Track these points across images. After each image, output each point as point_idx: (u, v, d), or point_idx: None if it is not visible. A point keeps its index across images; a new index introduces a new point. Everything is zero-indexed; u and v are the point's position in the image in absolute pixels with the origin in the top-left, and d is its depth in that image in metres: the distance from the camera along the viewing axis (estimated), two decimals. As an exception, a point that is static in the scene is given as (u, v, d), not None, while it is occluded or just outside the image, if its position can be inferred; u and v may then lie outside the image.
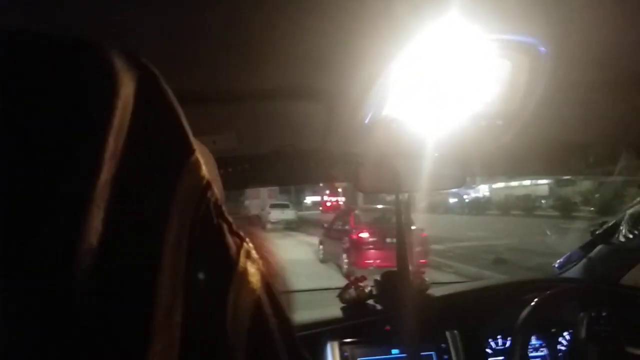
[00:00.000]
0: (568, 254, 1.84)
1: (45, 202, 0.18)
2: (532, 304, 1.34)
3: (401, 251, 1.30)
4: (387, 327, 1.41)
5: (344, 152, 1.02)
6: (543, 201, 21.49)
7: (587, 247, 1.74)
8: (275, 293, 0.26)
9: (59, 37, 0.21)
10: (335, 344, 1.36)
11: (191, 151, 0.23)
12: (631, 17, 0.63)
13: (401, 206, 1.22)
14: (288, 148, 0.99)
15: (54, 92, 0.20)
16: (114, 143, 0.20)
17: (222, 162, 1.00)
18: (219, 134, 0.90)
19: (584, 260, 1.76)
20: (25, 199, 0.18)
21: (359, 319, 1.44)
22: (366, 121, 0.83)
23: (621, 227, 1.47)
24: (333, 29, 0.63)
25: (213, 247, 0.23)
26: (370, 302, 1.51)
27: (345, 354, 1.35)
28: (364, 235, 8.24)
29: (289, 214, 23.74)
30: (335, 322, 1.43)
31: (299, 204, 28.45)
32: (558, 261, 1.86)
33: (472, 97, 0.80)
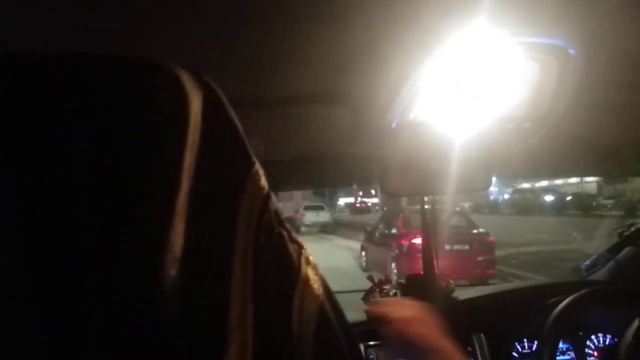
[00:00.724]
0: (595, 256, 1.81)
1: (133, 218, 0.19)
2: (560, 307, 1.33)
3: (427, 254, 1.31)
4: (412, 330, 1.41)
5: (370, 155, 1.03)
6: (606, 201, 19.90)
7: (614, 250, 1.72)
8: (334, 298, 0.27)
9: (131, 60, 0.23)
10: (361, 347, 1.37)
11: (252, 163, 0.24)
12: None
13: (426, 209, 1.22)
14: (314, 152, 1.01)
15: (134, 113, 0.21)
16: (189, 158, 0.21)
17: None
18: (248, 139, 0.92)
19: (611, 263, 1.73)
20: (114, 215, 0.19)
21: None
22: (393, 125, 0.84)
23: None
24: (360, 34, 0.64)
25: (277, 255, 0.24)
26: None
27: (371, 356, 1.35)
28: (418, 240, 7.13)
29: (323, 216, 22.75)
30: (360, 324, 1.44)
31: (332, 206, 27.82)
32: (585, 263, 1.84)
33: (500, 101, 0.80)
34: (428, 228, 1.20)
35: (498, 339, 1.44)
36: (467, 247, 7.05)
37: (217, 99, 0.24)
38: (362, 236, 9.81)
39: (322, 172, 1.06)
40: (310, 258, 0.26)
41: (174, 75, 0.22)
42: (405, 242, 7.26)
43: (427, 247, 1.19)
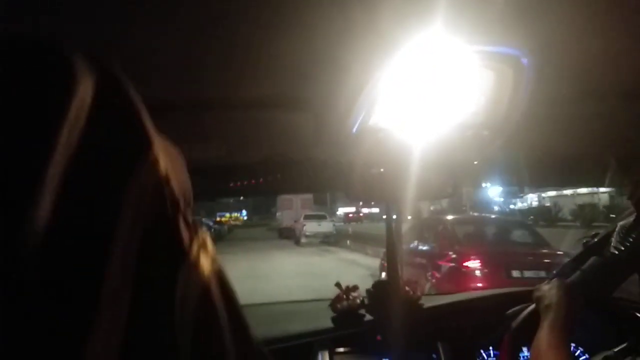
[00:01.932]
0: (560, 266, 1.84)
1: None
2: (520, 316, 1.35)
3: (392, 260, 1.31)
4: (379, 337, 1.41)
5: (334, 161, 1.03)
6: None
7: (579, 259, 1.74)
8: (227, 283, 0.28)
9: (25, 38, 0.23)
10: (326, 353, 1.36)
11: (149, 148, 0.24)
12: (614, 28, 0.64)
13: (392, 214, 1.23)
14: (277, 157, 1.00)
15: (17, 88, 0.21)
16: (67, 134, 0.21)
17: (212, 171, 1.01)
18: (208, 142, 0.91)
19: (577, 273, 1.76)
20: None
21: (350, 329, 1.44)
22: (354, 130, 0.84)
23: (612, 239, 1.48)
24: (320, 40, 0.64)
25: (165, 238, 0.24)
26: (362, 312, 1.51)
27: (337, 364, 1.35)
28: (474, 264, 4.95)
29: (326, 227, 21.22)
30: (327, 331, 1.43)
31: (331, 216, 26.44)
32: (552, 273, 1.86)
33: (457, 107, 0.81)
34: (392, 234, 1.20)
35: (463, 346, 1.45)
36: (543, 273, 4.65)
37: (114, 83, 0.24)
38: (379, 252, 7.72)
39: (286, 177, 1.06)
40: (208, 244, 0.27)
41: (63, 55, 0.23)
42: (447, 263, 5.27)
43: (392, 253, 1.19)
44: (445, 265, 5.33)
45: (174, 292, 0.23)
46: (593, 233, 1.75)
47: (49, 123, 0.21)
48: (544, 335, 1.08)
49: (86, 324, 0.20)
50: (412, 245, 6.46)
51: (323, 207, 29.13)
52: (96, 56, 0.24)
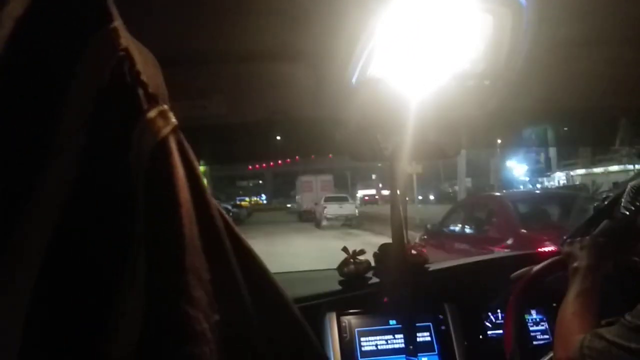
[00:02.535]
0: (573, 230, 1.82)
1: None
2: (527, 276, 1.34)
3: (396, 222, 1.31)
4: (385, 299, 1.42)
5: (335, 119, 1.02)
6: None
7: (590, 222, 1.72)
8: (188, 153, 0.28)
9: None
10: (333, 315, 1.38)
11: (107, 21, 0.25)
12: None
13: (397, 175, 1.22)
14: (279, 116, 1.00)
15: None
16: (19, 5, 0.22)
17: (214, 132, 1.02)
18: (208, 99, 0.91)
19: (588, 237, 1.74)
20: None
21: (357, 291, 1.45)
22: (353, 81, 0.84)
23: (622, 200, 1.45)
24: None
25: (121, 97, 0.25)
26: (369, 275, 1.52)
27: (343, 324, 1.36)
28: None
29: (348, 209, 20.33)
30: (334, 294, 1.45)
31: (352, 198, 25.26)
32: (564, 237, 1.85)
33: (457, 55, 0.80)
34: (397, 195, 1.20)
35: (470, 308, 1.45)
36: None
37: None
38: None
39: (288, 140, 1.06)
40: (170, 115, 0.28)
41: None
42: (506, 250, 4.15)
43: (396, 215, 1.20)
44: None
45: (127, 143, 0.24)
46: (604, 196, 1.73)
47: None
48: (570, 300, 1.04)
49: (39, 164, 0.21)
50: (451, 228, 5.75)
51: (343, 189, 28.22)
52: None
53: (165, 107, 0.28)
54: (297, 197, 29.91)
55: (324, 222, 19.63)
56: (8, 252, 0.21)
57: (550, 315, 1.56)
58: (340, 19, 0.73)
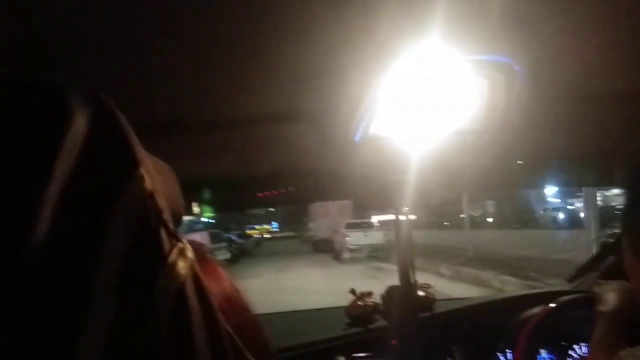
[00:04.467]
0: (579, 267, 1.82)
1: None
2: (537, 316, 1.35)
3: (404, 265, 1.33)
4: (394, 342, 1.42)
5: (340, 170, 1.06)
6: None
7: (597, 259, 1.73)
8: (203, 286, 0.31)
9: (27, 84, 0.27)
10: (343, 359, 1.38)
11: (135, 168, 0.28)
12: (602, 38, 0.66)
13: (401, 221, 1.25)
14: (284, 168, 1.04)
15: (16, 128, 0.26)
16: (64, 161, 0.25)
17: (225, 184, 1.06)
18: (219, 157, 0.95)
19: (595, 273, 1.75)
20: None
21: (366, 334, 1.46)
22: (357, 139, 0.87)
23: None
24: (321, 51, 0.67)
25: (148, 245, 0.28)
26: (377, 317, 1.53)
27: (353, 368, 1.36)
28: None
29: (374, 237, 16.62)
30: (343, 337, 1.46)
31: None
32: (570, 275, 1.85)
33: (456, 114, 0.84)
34: (404, 238, 1.22)
35: (478, 350, 1.45)
36: None
37: (107, 115, 0.28)
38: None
39: (297, 189, 1.10)
40: (187, 252, 0.30)
41: (58, 95, 0.27)
42: None
43: (404, 257, 1.22)
44: None
45: (153, 290, 0.27)
46: (610, 232, 1.74)
47: (47, 153, 0.25)
48: (596, 343, 1.04)
49: (78, 322, 0.24)
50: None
51: (361, 213, 23.85)
52: (90, 92, 0.28)
53: (183, 243, 0.31)
54: (310, 224, 26.38)
55: (346, 255, 16.14)
56: None
57: (560, 353, 1.55)
58: (344, 82, 0.77)
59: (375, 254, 15.78)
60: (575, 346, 1.54)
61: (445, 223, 25.13)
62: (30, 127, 0.25)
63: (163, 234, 0.28)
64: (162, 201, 0.29)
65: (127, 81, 0.68)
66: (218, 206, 1.19)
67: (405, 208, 1.22)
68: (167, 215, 0.29)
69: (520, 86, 0.75)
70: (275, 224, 53.77)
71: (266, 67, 0.71)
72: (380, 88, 0.78)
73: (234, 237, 21.43)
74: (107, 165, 0.27)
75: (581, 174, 1.09)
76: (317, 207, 22.77)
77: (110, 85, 0.67)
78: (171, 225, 0.29)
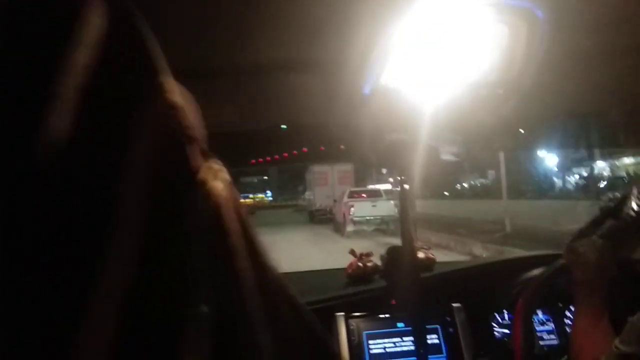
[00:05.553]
0: (577, 230, 1.83)
1: (9, 95, 0.21)
2: (534, 278, 1.35)
3: (405, 226, 1.31)
4: (393, 301, 1.43)
5: (348, 127, 1.02)
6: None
7: (595, 223, 1.73)
8: (242, 213, 0.28)
9: None
10: (342, 317, 1.38)
11: (156, 76, 0.25)
12: None
13: (404, 181, 1.22)
14: (289, 123, 1.00)
15: (34, 11, 0.22)
16: (81, 57, 0.22)
17: (224, 138, 1.02)
18: (221, 108, 0.91)
19: (593, 237, 1.75)
20: None
21: (365, 294, 1.46)
22: (365, 91, 0.84)
23: (629, 201, 1.46)
24: None
25: (175, 158, 0.25)
26: (377, 276, 1.53)
27: (352, 327, 1.37)
28: None
29: (384, 208, 13.88)
30: (342, 297, 1.46)
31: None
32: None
33: (470, 65, 0.80)
34: (405, 199, 1.20)
35: (477, 310, 1.46)
36: None
37: (127, 17, 0.25)
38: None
39: (296, 143, 1.06)
40: (221, 172, 0.27)
41: None
42: None
43: (405, 218, 1.20)
44: None
45: (182, 203, 0.24)
46: (610, 197, 1.73)
47: (61, 44, 0.22)
48: (579, 319, 1.04)
49: (99, 251, 0.21)
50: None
51: (361, 183, 21.30)
52: None
53: (218, 163, 0.28)
54: (306, 192, 23.86)
55: (350, 228, 13.87)
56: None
57: (556, 315, 1.57)
58: (353, 30, 0.73)
59: (383, 227, 13.76)
60: (571, 306, 1.55)
61: (445, 193, 22.76)
62: (45, 13, 0.22)
63: (193, 149, 0.25)
64: (191, 117, 0.26)
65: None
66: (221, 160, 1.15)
67: (409, 168, 1.19)
68: (197, 133, 0.26)
69: (541, 34, 0.71)
70: (269, 193, 53.16)
71: (270, 13, 0.67)
72: (392, 37, 0.74)
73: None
74: (125, 68, 0.24)
75: (604, 134, 1.06)
76: (314, 175, 20.85)
77: None
78: (203, 144, 0.26)
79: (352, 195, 14.96)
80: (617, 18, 0.71)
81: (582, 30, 0.74)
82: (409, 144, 1.03)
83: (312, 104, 0.95)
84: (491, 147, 1.33)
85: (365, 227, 13.97)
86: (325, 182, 19.70)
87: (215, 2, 0.63)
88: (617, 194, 1.63)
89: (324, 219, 18.40)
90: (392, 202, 13.38)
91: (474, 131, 1.02)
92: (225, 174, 0.28)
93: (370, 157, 1.11)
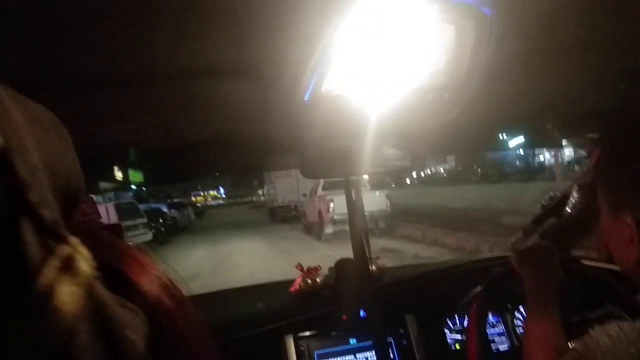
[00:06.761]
0: (521, 230, 1.85)
1: None
2: (484, 282, 1.34)
3: (357, 237, 1.25)
4: (344, 317, 1.36)
5: (287, 136, 0.95)
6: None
7: (537, 221, 1.75)
8: (115, 325, 0.19)
9: None
10: (290, 339, 1.30)
11: None
12: None
13: (352, 189, 1.16)
14: (224, 134, 0.91)
15: None
16: None
17: (151, 153, 0.91)
18: (141, 122, 0.81)
19: (535, 235, 1.78)
20: None
21: (314, 311, 1.39)
22: (306, 98, 0.76)
23: (570, 199, 1.48)
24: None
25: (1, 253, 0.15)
26: (326, 292, 1.46)
27: (302, 348, 1.29)
28: None
29: (372, 202, 10.57)
30: (290, 315, 1.37)
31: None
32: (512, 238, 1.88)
33: (416, 69, 0.75)
34: (356, 210, 1.14)
35: (429, 318, 1.43)
36: None
37: None
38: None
39: (235, 157, 0.97)
40: (79, 261, 0.17)
41: None
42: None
43: (356, 229, 1.14)
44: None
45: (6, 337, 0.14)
46: (549, 195, 1.77)
47: None
48: (531, 316, 1.04)
49: None
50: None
51: None
52: None
53: (71, 245, 0.17)
54: (265, 187, 20.45)
55: (329, 229, 10.83)
56: None
57: (505, 316, 1.57)
58: (291, 32, 0.65)
59: (372, 226, 10.51)
60: (521, 307, 1.56)
61: (392, 185, 21.56)
62: None
63: (28, 231, 0.15)
64: (28, 166, 0.16)
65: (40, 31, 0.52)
66: (150, 180, 1.04)
67: (360, 176, 1.13)
68: (38, 194, 0.16)
69: (489, 33, 0.66)
70: (222, 190, 50.75)
71: (201, 14, 0.58)
72: (333, 40, 0.67)
73: (163, 208, 16.41)
74: None
75: (549, 133, 1.05)
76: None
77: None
78: (48, 214, 0.16)
79: (328, 187, 11.73)
80: (565, 15, 0.68)
81: (526, 31, 0.71)
82: (354, 150, 0.96)
83: (249, 113, 0.87)
84: (439, 150, 1.30)
85: (347, 227, 12.49)
86: (288, 174, 15.70)
87: (139, 4, 0.53)
88: (557, 193, 1.66)
89: (289, 216, 16.14)
90: (378, 193, 11.37)
91: (421, 136, 0.98)
92: (84, 264, 0.17)
93: (314, 166, 1.04)
